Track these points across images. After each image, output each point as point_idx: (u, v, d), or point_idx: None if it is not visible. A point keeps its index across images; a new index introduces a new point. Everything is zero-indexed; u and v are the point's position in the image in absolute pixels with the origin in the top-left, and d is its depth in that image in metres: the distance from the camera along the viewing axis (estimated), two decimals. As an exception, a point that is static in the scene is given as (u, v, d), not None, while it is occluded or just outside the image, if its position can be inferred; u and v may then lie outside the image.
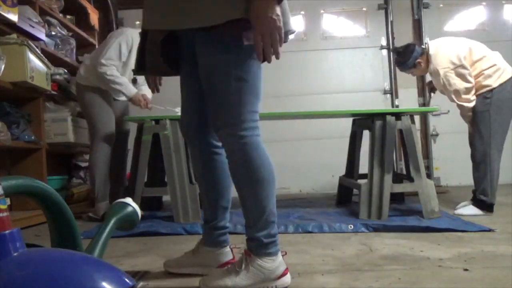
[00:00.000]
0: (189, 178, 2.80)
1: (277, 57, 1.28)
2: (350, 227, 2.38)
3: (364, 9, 4.80)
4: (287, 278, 1.43)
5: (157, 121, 2.82)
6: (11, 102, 3.01)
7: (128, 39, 3.00)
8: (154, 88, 1.68)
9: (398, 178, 3.18)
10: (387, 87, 4.73)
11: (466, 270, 1.56)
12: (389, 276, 1.51)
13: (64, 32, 3.68)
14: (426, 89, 3.39)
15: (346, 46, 4.77)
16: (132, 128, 3.22)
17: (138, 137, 2.90)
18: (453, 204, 3.00)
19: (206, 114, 1.54)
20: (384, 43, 4.75)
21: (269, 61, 1.30)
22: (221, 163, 1.58)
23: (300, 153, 4.64)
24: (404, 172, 3.54)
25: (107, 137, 3.04)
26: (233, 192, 1.56)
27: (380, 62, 4.75)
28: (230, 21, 1.28)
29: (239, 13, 1.27)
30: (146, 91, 3.12)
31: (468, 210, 2.77)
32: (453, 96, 2.80)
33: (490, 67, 2.76)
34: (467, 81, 2.74)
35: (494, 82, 2.75)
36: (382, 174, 2.66)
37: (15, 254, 0.78)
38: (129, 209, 1.29)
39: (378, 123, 2.74)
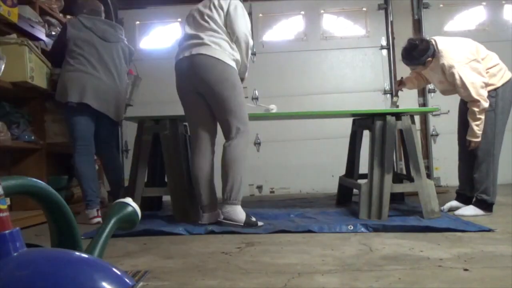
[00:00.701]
0: (189, 178, 2.80)
1: None
2: (350, 227, 2.38)
3: (364, 9, 4.80)
4: None
5: (157, 121, 2.82)
6: (11, 102, 3.01)
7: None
8: None
9: (398, 178, 3.18)
10: (387, 87, 4.73)
11: (466, 270, 1.56)
12: (389, 276, 1.51)
13: (64, 32, 3.67)
14: (397, 88, 3.30)
15: (346, 46, 4.77)
16: (132, 128, 3.21)
17: (138, 137, 2.90)
18: (453, 204, 3.00)
19: None
20: (384, 43, 4.74)
21: None
22: None
23: (300, 153, 4.64)
24: (404, 172, 3.54)
25: None
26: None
27: (380, 62, 4.75)
28: None
29: None
30: None
31: (468, 210, 2.76)
32: (471, 90, 2.63)
33: (494, 66, 2.75)
34: (482, 76, 2.68)
35: (498, 81, 2.74)
36: (382, 174, 2.66)
37: (15, 254, 0.78)
38: (129, 209, 1.29)
39: (378, 123, 2.73)
